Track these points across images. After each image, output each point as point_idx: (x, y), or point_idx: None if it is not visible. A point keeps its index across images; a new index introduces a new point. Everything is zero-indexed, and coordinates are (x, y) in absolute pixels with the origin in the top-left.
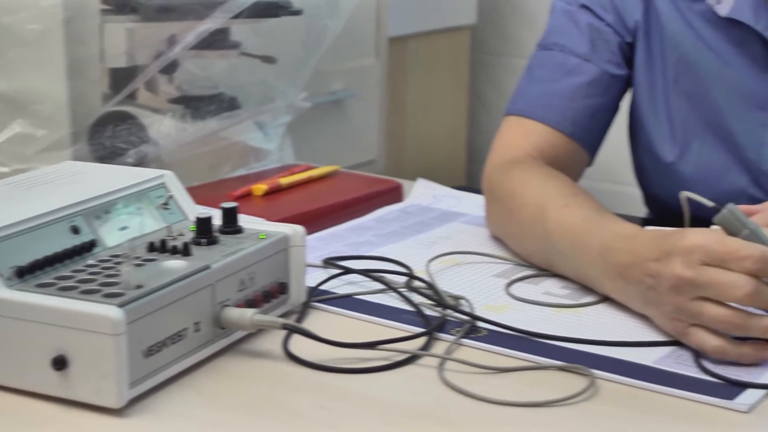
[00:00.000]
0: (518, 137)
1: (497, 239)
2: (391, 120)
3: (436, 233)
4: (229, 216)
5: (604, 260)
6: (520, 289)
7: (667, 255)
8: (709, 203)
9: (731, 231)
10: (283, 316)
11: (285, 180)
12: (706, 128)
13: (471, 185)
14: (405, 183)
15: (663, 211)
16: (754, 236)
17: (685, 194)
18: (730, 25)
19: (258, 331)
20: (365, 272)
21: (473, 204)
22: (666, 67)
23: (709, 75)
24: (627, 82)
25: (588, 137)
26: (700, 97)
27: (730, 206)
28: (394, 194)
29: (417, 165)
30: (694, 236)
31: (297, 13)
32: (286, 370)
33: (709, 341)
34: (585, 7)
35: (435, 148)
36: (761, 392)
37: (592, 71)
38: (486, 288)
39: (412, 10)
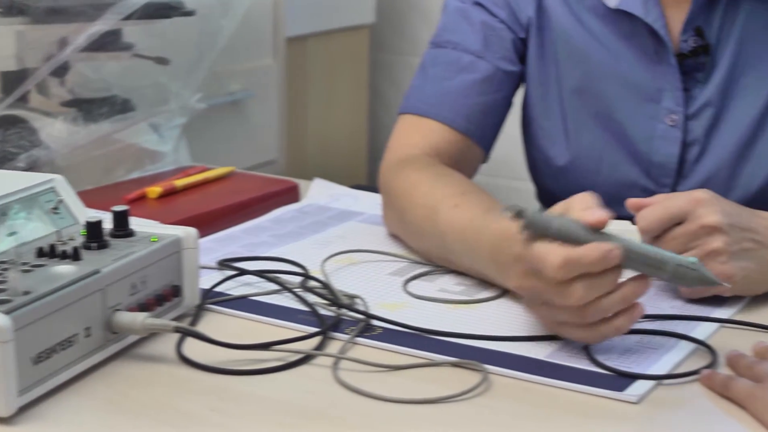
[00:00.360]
0: (413, 135)
1: (395, 237)
2: (292, 120)
3: (332, 233)
4: (120, 219)
5: (495, 261)
6: (416, 287)
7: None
8: (513, 213)
9: (544, 238)
10: (177, 319)
11: (180, 182)
12: (597, 121)
13: (373, 184)
14: (305, 183)
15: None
16: (561, 238)
17: (503, 207)
18: (620, 17)
19: (151, 334)
20: (260, 273)
21: (370, 203)
22: (558, 62)
23: (599, 68)
24: (520, 78)
25: (482, 134)
26: (591, 90)
27: (528, 216)
28: (290, 194)
29: (318, 165)
30: (515, 246)
31: (189, 13)
32: (180, 373)
33: (581, 335)
34: (478, 4)
35: (336, 147)
36: (651, 383)
37: (485, 68)
38: (382, 286)
39: (311, 10)
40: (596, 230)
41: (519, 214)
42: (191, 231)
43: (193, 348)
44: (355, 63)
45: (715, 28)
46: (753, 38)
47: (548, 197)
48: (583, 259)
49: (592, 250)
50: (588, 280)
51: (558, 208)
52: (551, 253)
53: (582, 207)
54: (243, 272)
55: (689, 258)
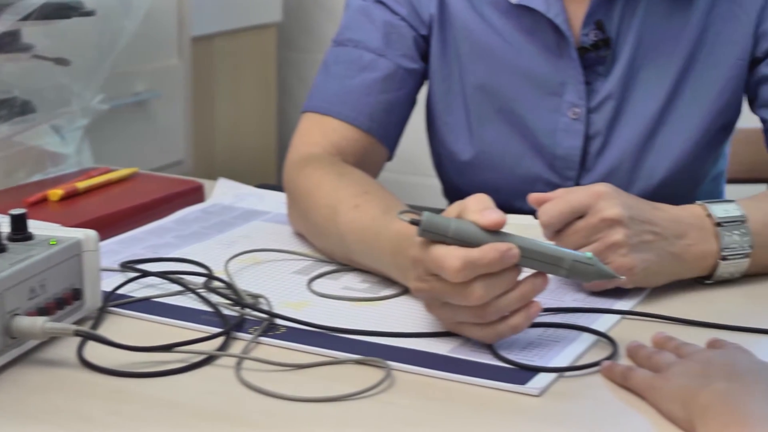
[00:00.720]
0: (315, 134)
1: (300, 236)
2: (199, 120)
3: (237, 232)
4: (18, 223)
5: (395, 261)
6: (321, 285)
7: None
8: (405, 219)
9: (441, 240)
10: (78, 322)
11: (82, 184)
12: (500, 116)
13: (281, 183)
14: (213, 183)
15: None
16: (458, 240)
17: (400, 212)
18: (522, 12)
19: (52, 339)
20: (162, 274)
21: (275, 202)
22: (460, 58)
23: (501, 63)
24: (423, 76)
25: (385, 132)
26: (493, 85)
27: (424, 220)
28: (195, 195)
29: (228, 164)
30: (412, 249)
31: (89, 14)
32: (81, 377)
33: (480, 333)
34: (379, 2)
35: (245, 146)
36: (552, 376)
37: (386, 66)
38: (286, 285)
39: (216, 9)
40: (492, 231)
41: (415, 220)
42: (91, 233)
43: (95, 352)
44: (263, 61)
45: (616, 21)
46: (652, 31)
47: (454, 193)
48: (481, 260)
49: (490, 251)
50: (487, 280)
51: (453, 209)
52: (449, 257)
53: (477, 208)
54: (145, 274)
55: (586, 253)
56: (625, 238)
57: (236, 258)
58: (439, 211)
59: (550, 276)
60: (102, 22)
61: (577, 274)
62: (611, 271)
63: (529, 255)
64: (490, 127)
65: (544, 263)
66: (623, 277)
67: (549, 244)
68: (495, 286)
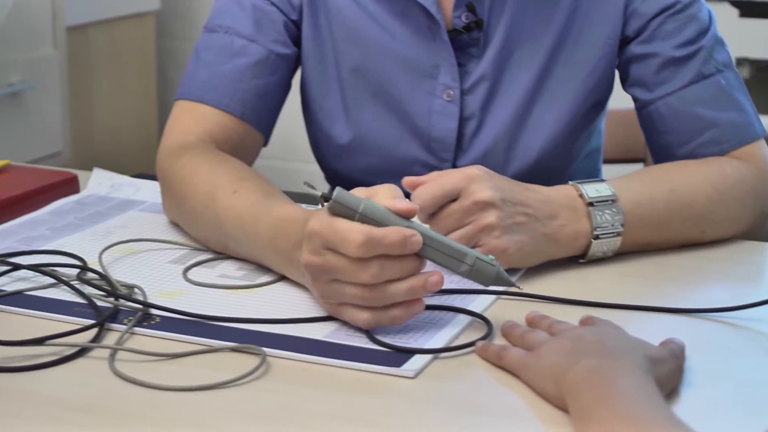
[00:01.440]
0: (188, 122)
1: (175, 225)
2: (77, 110)
3: (112, 223)
4: None
5: (274, 246)
6: (196, 274)
7: (300, 242)
8: (317, 193)
9: (347, 216)
10: None
11: None
12: (376, 99)
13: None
14: (89, 174)
15: (343, 185)
16: (365, 218)
17: (305, 182)
18: None
19: None
20: (35, 267)
21: (152, 191)
22: (335, 41)
23: (375, 47)
24: (296, 61)
25: (258, 118)
26: (368, 69)
27: (336, 193)
28: (70, 186)
29: (108, 154)
30: (312, 222)
31: None
32: None
33: (359, 316)
34: None
35: (126, 136)
36: (428, 357)
37: (257, 52)
38: (161, 275)
39: None
40: (401, 217)
41: (325, 195)
42: None
43: None
44: (142, 50)
45: (487, 3)
46: (524, 13)
47: (334, 177)
48: (384, 240)
49: (394, 232)
50: (384, 261)
51: (359, 192)
52: (353, 231)
53: (390, 195)
54: (17, 267)
55: (490, 256)
56: (498, 220)
57: (111, 249)
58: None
59: (437, 267)
60: None
61: (477, 273)
62: (510, 279)
63: (433, 245)
64: (366, 110)
65: (447, 256)
66: (520, 287)
67: (454, 241)
68: (390, 269)
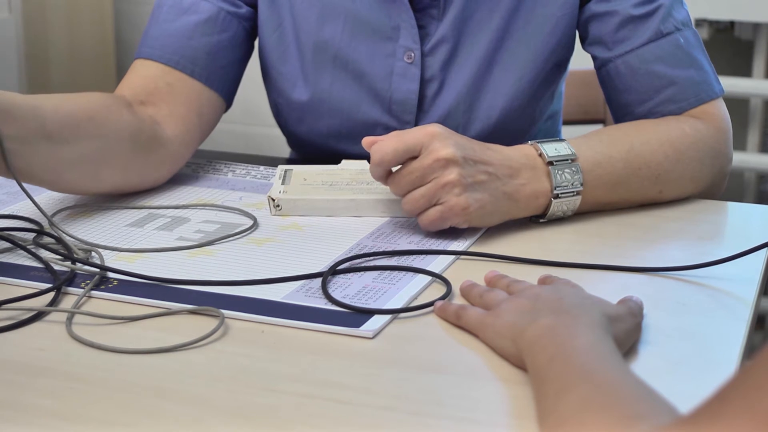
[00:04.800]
0: (133, 78)
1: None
2: (33, 78)
3: None
4: None
5: None
6: (154, 237)
7: None
8: None
9: None
10: None
11: None
12: (335, 62)
13: None
14: None
15: (305, 149)
16: None
17: None
18: None
19: None
20: None
21: None
22: (293, 6)
23: (335, 10)
24: (251, 21)
25: (209, 76)
26: (327, 32)
27: None
28: None
29: None
30: None
31: None
32: None
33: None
34: None
35: None
36: (386, 317)
37: (207, 9)
38: (120, 238)
39: None
40: None
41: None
42: None
43: None
44: (99, 14)
45: None
46: None
47: (296, 142)
48: None
49: None
50: None
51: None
52: None
53: None
54: None
55: None
56: (460, 177)
57: (69, 211)
58: (286, 160)
59: (386, 220)
60: None
61: None
62: None
63: None
64: (325, 74)
65: None
66: None
67: None
68: None
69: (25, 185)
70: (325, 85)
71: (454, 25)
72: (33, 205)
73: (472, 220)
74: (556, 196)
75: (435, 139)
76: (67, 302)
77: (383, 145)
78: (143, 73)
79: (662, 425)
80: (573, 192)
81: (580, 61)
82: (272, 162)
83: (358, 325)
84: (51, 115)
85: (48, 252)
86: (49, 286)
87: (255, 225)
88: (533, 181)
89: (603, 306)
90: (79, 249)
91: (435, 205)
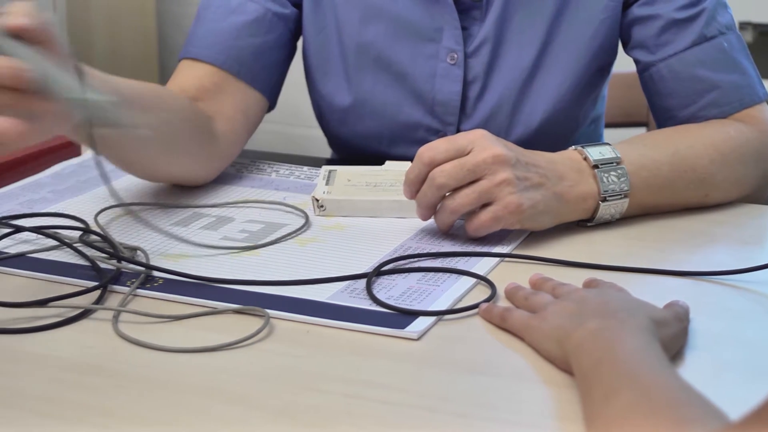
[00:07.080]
0: (181, 78)
1: (179, 187)
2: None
3: (115, 185)
4: None
5: None
6: (199, 236)
7: None
8: None
9: None
10: None
11: None
12: (378, 64)
13: None
14: None
15: (346, 151)
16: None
17: None
18: None
19: None
20: (37, 229)
21: None
22: (336, 7)
23: (378, 12)
24: (296, 22)
25: (254, 77)
26: (370, 34)
27: None
28: (71, 149)
29: None
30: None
31: None
32: None
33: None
34: None
35: None
36: (431, 319)
37: (254, 9)
38: (164, 237)
39: None
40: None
41: None
42: None
43: None
44: (141, 14)
45: None
46: None
47: (338, 143)
48: None
49: None
50: None
51: None
52: None
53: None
54: (19, 229)
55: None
56: (513, 176)
57: (113, 210)
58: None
59: (430, 222)
60: None
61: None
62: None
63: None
64: (368, 75)
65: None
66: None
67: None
68: None
69: (76, 182)
70: (367, 87)
71: (495, 27)
72: (78, 203)
73: (524, 221)
74: (604, 199)
75: (486, 139)
76: (113, 300)
77: (433, 144)
78: (190, 73)
79: (712, 431)
80: (621, 194)
81: (623, 63)
82: (314, 162)
83: (402, 326)
84: (124, 86)
85: (94, 250)
86: (96, 284)
87: (307, 223)
88: (581, 183)
89: (649, 310)
90: (125, 247)
91: (487, 204)
